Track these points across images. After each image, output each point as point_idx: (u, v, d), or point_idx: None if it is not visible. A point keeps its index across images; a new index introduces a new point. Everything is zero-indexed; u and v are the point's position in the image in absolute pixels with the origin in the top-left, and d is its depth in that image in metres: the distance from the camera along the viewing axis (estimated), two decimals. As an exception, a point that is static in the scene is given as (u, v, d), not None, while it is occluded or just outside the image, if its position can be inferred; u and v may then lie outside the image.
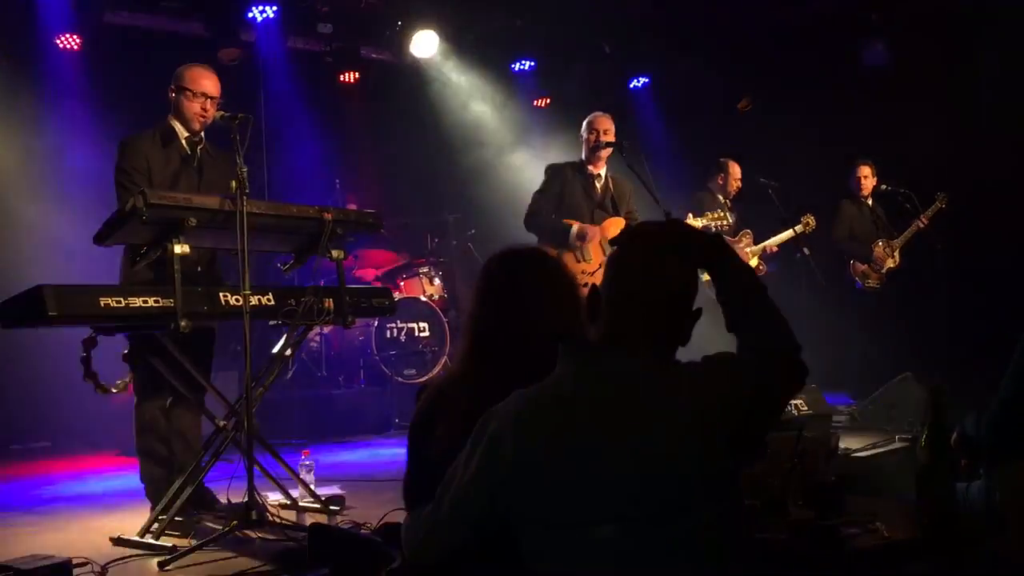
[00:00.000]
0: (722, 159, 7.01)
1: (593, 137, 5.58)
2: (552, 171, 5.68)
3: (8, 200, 6.77)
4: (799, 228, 6.82)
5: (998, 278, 7.00)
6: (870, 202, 7.28)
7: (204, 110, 4.07)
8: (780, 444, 2.38)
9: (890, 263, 7.13)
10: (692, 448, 1.52)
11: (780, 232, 6.91)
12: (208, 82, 4.12)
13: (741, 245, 6.72)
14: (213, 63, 6.65)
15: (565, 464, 1.54)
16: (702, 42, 8.48)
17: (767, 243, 6.85)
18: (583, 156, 5.67)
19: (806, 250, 6.78)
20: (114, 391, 3.72)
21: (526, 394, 1.64)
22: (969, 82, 7.41)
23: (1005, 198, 7.04)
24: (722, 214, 6.29)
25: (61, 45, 6.62)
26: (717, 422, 1.54)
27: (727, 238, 6.51)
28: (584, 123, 5.69)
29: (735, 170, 6.95)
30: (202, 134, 4.15)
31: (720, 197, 6.81)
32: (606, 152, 5.59)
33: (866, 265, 7.12)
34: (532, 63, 8.38)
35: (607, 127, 5.60)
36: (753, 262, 6.57)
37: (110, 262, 4.14)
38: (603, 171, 5.67)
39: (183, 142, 4.10)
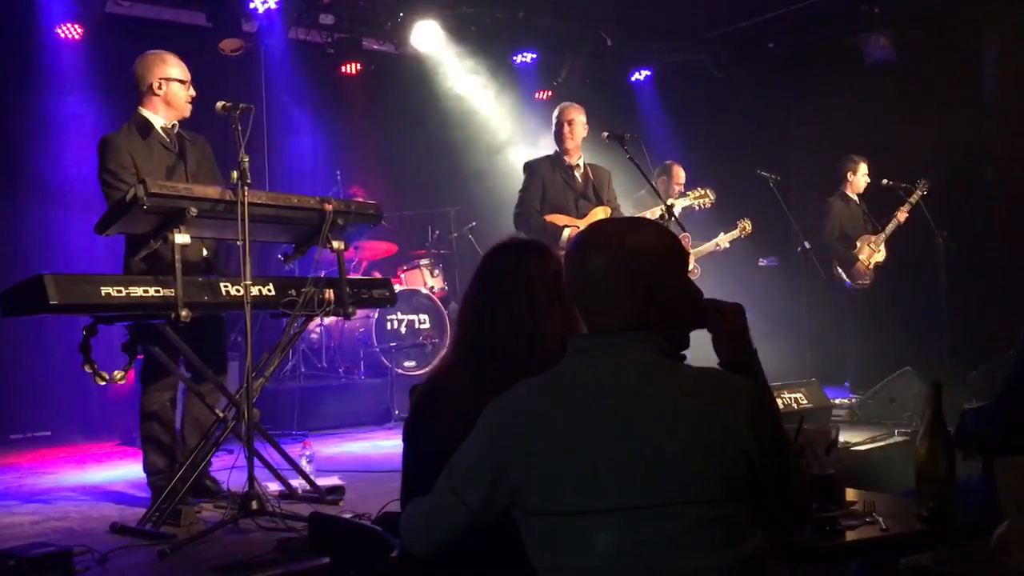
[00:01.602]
0: (668, 162, 6.97)
1: (564, 129, 5.56)
2: (530, 168, 5.64)
3: (10, 190, 6.77)
4: (736, 233, 6.74)
5: (999, 272, 7.01)
6: (857, 198, 7.29)
7: (191, 96, 4.10)
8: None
9: (877, 258, 7.14)
10: (694, 443, 1.52)
11: (720, 235, 6.75)
12: (184, 66, 4.14)
13: None
14: (214, 53, 6.70)
15: (570, 453, 1.55)
16: (704, 36, 8.47)
17: (706, 246, 6.71)
18: (557, 148, 5.65)
19: (807, 244, 6.77)
20: (109, 380, 3.71)
21: (533, 383, 1.65)
22: (973, 77, 7.39)
23: (1007, 193, 7.04)
24: (704, 192, 6.19)
25: (62, 35, 6.60)
26: (717, 431, 1.53)
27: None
28: (554, 115, 5.66)
29: (678, 174, 6.90)
30: (176, 121, 4.14)
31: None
32: (572, 144, 5.55)
33: (852, 265, 7.12)
34: (534, 55, 8.35)
35: (572, 117, 5.57)
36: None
37: (111, 253, 4.15)
38: (580, 161, 5.66)
39: (161, 132, 4.08)
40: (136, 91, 4.13)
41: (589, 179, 5.64)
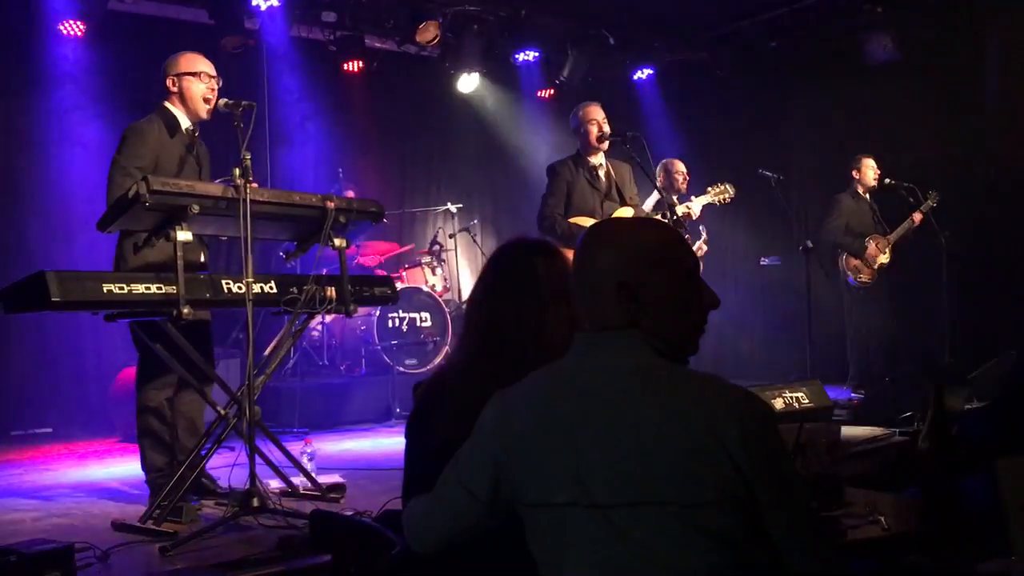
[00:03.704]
0: (664, 160, 6.90)
1: (595, 128, 5.46)
2: (554, 171, 5.53)
3: (12, 186, 6.78)
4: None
5: (1002, 272, 7.00)
6: (868, 197, 7.28)
7: (212, 90, 4.07)
8: (782, 436, 2.37)
9: (882, 259, 7.13)
10: (682, 445, 1.50)
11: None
12: (206, 62, 4.12)
13: None
14: (217, 50, 6.70)
15: (563, 447, 1.55)
16: (706, 34, 8.47)
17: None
18: (580, 148, 5.55)
19: (809, 243, 6.76)
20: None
21: (534, 377, 1.65)
22: (975, 76, 7.39)
23: (1010, 192, 7.03)
24: (723, 187, 6.10)
25: (65, 31, 6.60)
26: (706, 435, 1.50)
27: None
28: (577, 115, 5.54)
29: (677, 167, 6.76)
30: (195, 124, 4.13)
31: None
32: (606, 144, 5.52)
33: (858, 260, 7.11)
34: (536, 54, 8.35)
35: (599, 116, 5.49)
36: None
37: (112, 249, 4.15)
38: (602, 159, 5.59)
39: (185, 133, 4.09)
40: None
41: (611, 178, 5.52)
